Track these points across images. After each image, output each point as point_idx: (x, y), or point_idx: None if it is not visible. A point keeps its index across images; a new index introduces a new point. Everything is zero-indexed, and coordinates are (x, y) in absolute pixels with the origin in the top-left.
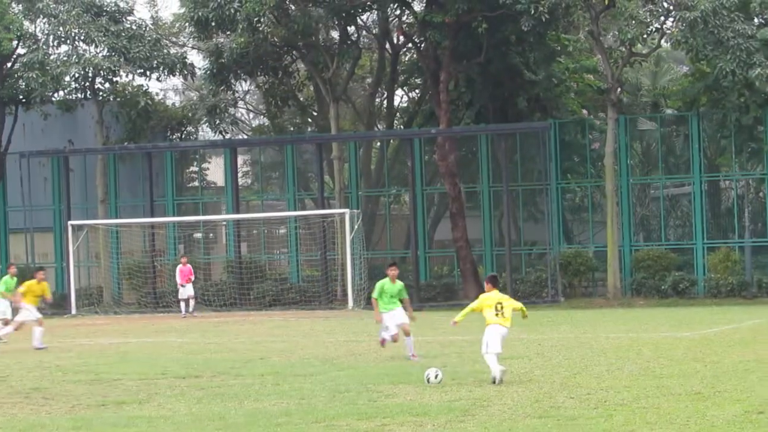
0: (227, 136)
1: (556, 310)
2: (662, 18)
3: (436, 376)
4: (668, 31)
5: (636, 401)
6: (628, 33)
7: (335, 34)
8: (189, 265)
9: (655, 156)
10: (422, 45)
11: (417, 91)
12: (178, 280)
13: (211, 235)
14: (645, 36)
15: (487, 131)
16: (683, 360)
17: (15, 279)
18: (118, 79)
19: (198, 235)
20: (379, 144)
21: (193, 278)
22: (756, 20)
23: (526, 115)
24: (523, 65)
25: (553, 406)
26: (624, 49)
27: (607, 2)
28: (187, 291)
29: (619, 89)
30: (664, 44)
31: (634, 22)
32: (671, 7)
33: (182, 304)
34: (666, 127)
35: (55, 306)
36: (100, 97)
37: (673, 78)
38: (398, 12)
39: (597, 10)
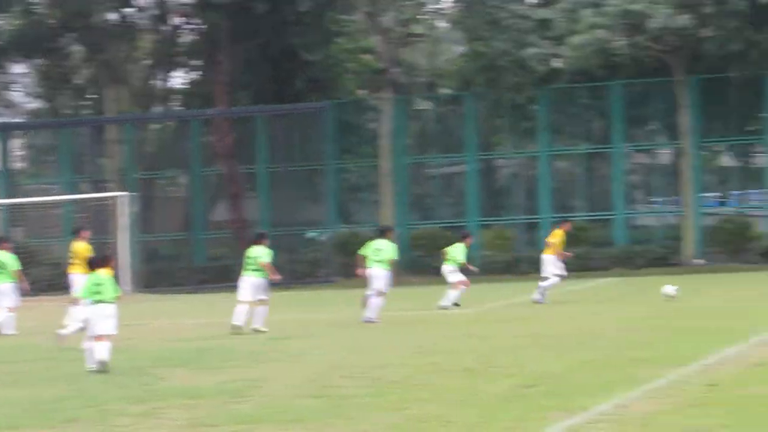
0: (1, 120)
1: (332, 289)
2: None
3: None
4: (445, 12)
5: (409, 379)
6: (405, 13)
7: (113, 15)
8: None
9: (431, 135)
10: (200, 26)
11: (195, 72)
12: None
13: None
14: (422, 16)
15: (265, 112)
16: (457, 337)
17: None
18: None
19: None
20: (157, 126)
21: None
22: (530, 0)
23: (304, 95)
24: (301, 46)
25: (327, 385)
26: (401, 30)
27: None
28: None
29: (396, 69)
30: (441, 24)
31: (411, 2)
32: None
33: None
34: (442, 107)
35: None
36: None
37: (450, 58)
38: None
39: None
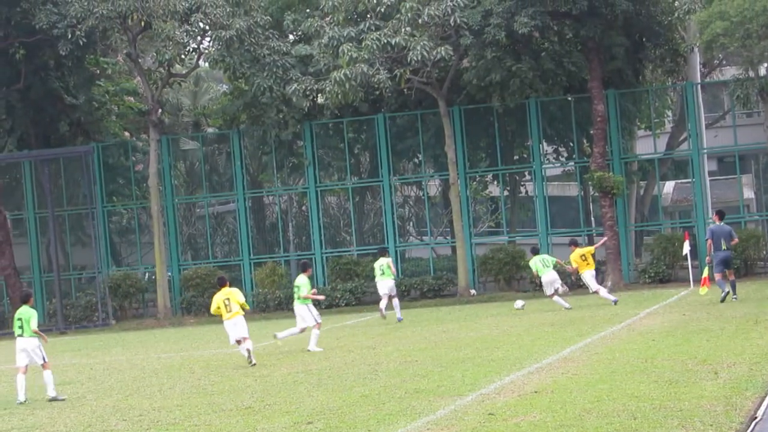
0: None
1: (108, 333)
2: (199, 38)
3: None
4: (205, 51)
5: (188, 419)
6: (166, 54)
7: None
8: None
9: (199, 174)
10: None
11: None
12: None
13: None
14: (183, 56)
15: (30, 157)
16: (234, 376)
17: None
18: None
19: None
20: None
21: None
22: (290, 37)
23: (69, 139)
24: (63, 90)
25: (106, 429)
26: (163, 70)
27: (143, 24)
28: None
29: (160, 110)
30: (203, 64)
31: (171, 43)
32: (207, 27)
33: None
34: (208, 146)
35: None
36: None
37: (213, 97)
38: None
39: (134, 32)
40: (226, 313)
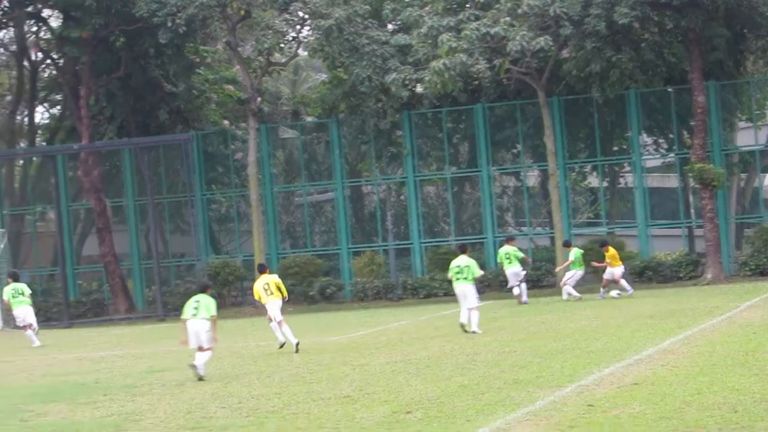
0: None
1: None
2: (298, 27)
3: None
4: (305, 40)
5: (287, 407)
6: (266, 43)
7: None
8: None
9: (297, 163)
10: (61, 61)
11: (58, 107)
12: None
13: None
14: (282, 45)
15: (130, 145)
16: (332, 364)
17: None
18: None
19: None
20: (22, 162)
21: None
22: (389, 26)
23: (168, 127)
24: (163, 78)
25: (206, 416)
26: (262, 59)
27: (243, 13)
28: None
29: (259, 99)
30: (302, 53)
31: (270, 31)
32: (306, 16)
33: None
34: (307, 135)
35: None
36: None
37: (312, 86)
38: (35, 28)
39: (233, 21)
40: (266, 296)
